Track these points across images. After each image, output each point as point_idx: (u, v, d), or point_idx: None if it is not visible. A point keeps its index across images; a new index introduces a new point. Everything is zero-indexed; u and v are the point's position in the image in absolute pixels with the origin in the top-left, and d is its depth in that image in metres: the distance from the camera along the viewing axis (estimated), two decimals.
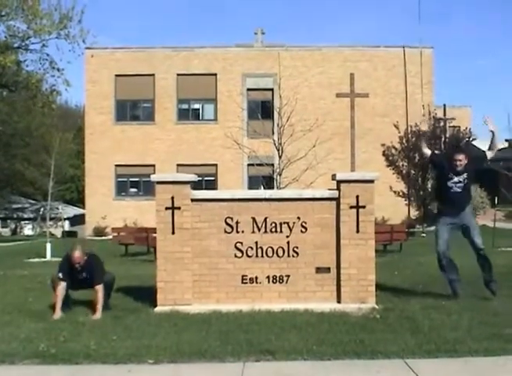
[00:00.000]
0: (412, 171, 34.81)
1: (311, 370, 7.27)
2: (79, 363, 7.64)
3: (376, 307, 10.70)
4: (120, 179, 40.64)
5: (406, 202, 36.08)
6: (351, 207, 10.81)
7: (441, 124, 38.47)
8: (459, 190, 11.26)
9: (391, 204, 34.43)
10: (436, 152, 12.12)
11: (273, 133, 25.97)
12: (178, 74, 40.30)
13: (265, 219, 10.92)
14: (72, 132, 60.53)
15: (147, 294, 11.68)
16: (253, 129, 31.75)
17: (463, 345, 8.08)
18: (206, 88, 40.19)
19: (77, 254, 10.48)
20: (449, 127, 41.04)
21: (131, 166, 39.47)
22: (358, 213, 10.82)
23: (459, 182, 11.25)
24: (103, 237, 35.60)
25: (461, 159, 11.17)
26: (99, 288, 10.52)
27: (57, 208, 55.32)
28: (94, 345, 8.22)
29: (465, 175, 11.26)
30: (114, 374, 7.25)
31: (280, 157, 23.40)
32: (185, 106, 41.42)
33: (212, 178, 39.05)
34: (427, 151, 11.90)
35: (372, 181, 11.00)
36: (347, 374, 7.11)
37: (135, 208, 37.62)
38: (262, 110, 37.82)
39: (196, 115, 41.88)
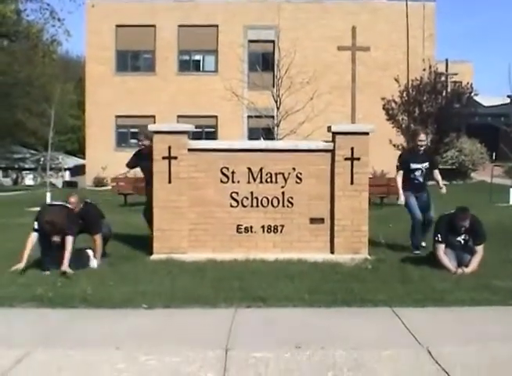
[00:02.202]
0: (412, 125, 34.81)
1: (300, 317, 7.47)
2: (75, 307, 7.84)
3: (369, 258, 10.90)
4: (120, 130, 40.57)
5: None
6: (346, 158, 10.92)
7: (443, 78, 38.33)
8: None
9: (391, 158, 34.43)
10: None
11: (273, 86, 25.94)
12: (179, 25, 39.95)
13: (261, 170, 11.04)
14: (73, 83, 60.27)
15: (144, 243, 11.88)
16: (253, 81, 31.65)
17: (451, 295, 8.28)
18: (207, 39, 39.89)
19: (74, 199, 10.57)
20: (451, 82, 40.93)
21: (131, 117, 39.32)
22: (353, 165, 10.93)
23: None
24: (103, 188, 35.71)
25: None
26: (97, 237, 10.64)
27: (57, 158, 55.47)
28: (90, 291, 8.42)
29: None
30: (110, 318, 7.44)
31: (278, 108, 23.44)
32: (185, 58, 41.16)
33: (212, 130, 38.99)
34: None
35: (367, 133, 11.09)
36: (335, 321, 7.29)
37: None
38: (263, 62, 37.66)
39: (196, 66, 41.64)
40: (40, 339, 6.57)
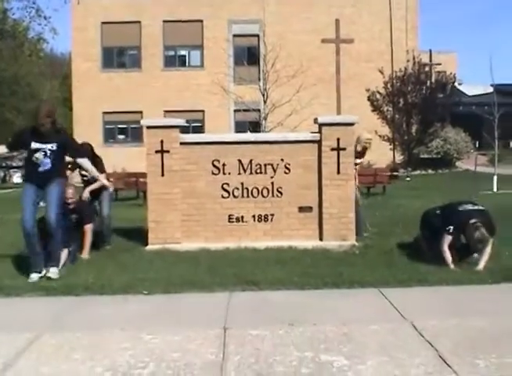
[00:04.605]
0: (397, 116, 35.30)
1: (293, 298, 7.89)
2: (79, 294, 8.24)
3: (356, 244, 11.32)
4: (108, 126, 40.89)
5: (391, 147, 36.61)
6: (332, 149, 11.35)
7: (427, 69, 38.80)
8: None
9: (377, 149, 34.79)
10: None
11: (259, 79, 26.34)
12: (164, 21, 40.28)
13: (251, 161, 11.47)
14: (58, 80, 60.42)
15: (138, 235, 12.30)
16: (239, 75, 32.03)
17: (434, 276, 8.73)
18: (192, 34, 40.20)
19: (70, 190, 10.84)
20: (435, 72, 41.40)
21: (118, 113, 39.62)
22: (339, 155, 11.36)
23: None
24: None
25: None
26: (88, 228, 10.97)
27: None
28: (92, 279, 8.82)
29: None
30: (112, 303, 7.85)
31: (265, 102, 23.84)
32: (171, 53, 41.47)
33: (199, 124, 39.30)
34: None
35: (352, 124, 11.52)
36: (325, 301, 7.72)
37: (123, 155, 37.46)
38: (248, 56, 37.99)
39: (182, 62, 41.94)
40: (48, 324, 6.95)
